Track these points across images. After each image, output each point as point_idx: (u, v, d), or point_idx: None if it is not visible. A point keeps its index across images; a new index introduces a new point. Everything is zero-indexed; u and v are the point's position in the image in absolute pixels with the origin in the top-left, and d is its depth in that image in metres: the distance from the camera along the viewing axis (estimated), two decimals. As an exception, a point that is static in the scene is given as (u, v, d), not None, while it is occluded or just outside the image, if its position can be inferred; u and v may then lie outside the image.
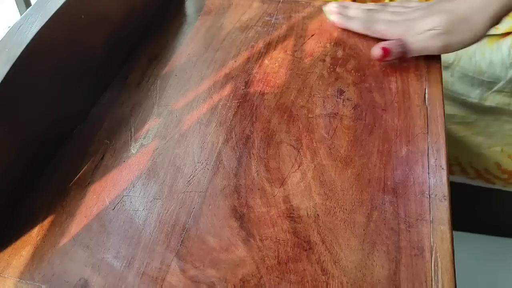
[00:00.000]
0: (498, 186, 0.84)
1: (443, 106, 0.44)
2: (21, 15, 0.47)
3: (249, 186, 0.38)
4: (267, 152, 0.41)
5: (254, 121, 0.44)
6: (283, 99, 0.46)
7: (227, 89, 0.47)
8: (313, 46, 0.52)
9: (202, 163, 0.40)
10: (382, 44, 0.48)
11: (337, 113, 0.44)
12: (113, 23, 0.49)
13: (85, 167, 0.41)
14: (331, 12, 0.54)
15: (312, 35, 0.53)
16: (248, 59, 0.50)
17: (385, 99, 0.45)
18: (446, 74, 0.71)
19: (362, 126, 0.42)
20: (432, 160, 0.39)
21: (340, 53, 0.50)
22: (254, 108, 0.45)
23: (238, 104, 0.45)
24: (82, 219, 0.37)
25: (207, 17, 0.57)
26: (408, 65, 0.48)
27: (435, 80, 0.46)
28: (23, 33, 0.38)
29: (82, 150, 0.42)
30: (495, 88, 0.70)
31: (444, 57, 0.69)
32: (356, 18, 0.52)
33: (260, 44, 0.52)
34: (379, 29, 0.51)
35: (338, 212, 0.36)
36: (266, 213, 0.36)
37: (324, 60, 0.50)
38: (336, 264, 0.33)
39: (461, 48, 0.47)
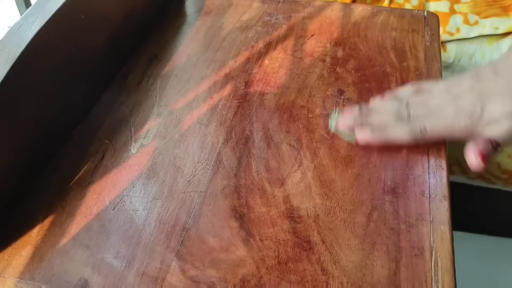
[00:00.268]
0: (498, 186, 0.84)
1: (443, 106, 0.44)
2: (21, 15, 0.47)
3: (249, 186, 0.38)
4: (267, 152, 0.41)
5: (254, 121, 0.44)
6: (283, 99, 0.46)
7: (227, 89, 0.47)
8: (313, 46, 0.51)
9: (202, 163, 0.40)
10: (472, 149, 0.38)
11: (337, 113, 0.44)
12: (113, 23, 0.49)
13: (85, 167, 0.41)
14: (346, 129, 0.42)
15: (312, 35, 0.53)
16: (248, 59, 0.50)
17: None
18: (446, 74, 0.71)
19: (362, 126, 0.42)
20: (432, 160, 0.39)
21: (340, 53, 0.50)
22: (254, 108, 0.45)
23: (238, 104, 0.45)
24: (82, 219, 0.37)
25: (207, 17, 0.57)
26: (408, 65, 0.48)
27: (435, 80, 0.46)
28: (23, 33, 0.38)
29: (82, 150, 0.42)
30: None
31: (444, 57, 0.69)
32: (391, 125, 0.40)
33: (260, 44, 0.52)
34: (435, 130, 0.40)
35: (338, 212, 0.36)
36: (266, 213, 0.36)
37: (324, 60, 0.50)
38: (336, 264, 0.33)
39: None
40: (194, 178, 0.39)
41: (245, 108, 0.45)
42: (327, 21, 0.54)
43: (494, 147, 0.38)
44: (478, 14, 0.69)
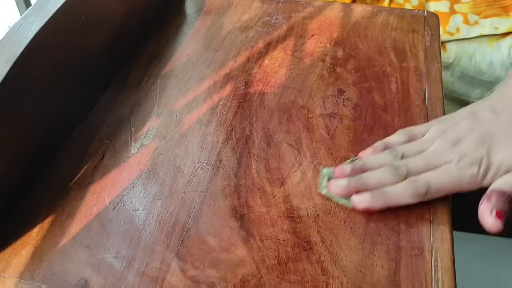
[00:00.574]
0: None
1: (443, 106, 0.44)
2: (21, 15, 0.47)
3: (249, 186, 0.38)
4: (267, 152, 0.41)
5: (254, 121, 0.44)
6: (283, 99, 0.46)
7: (227, 89, 0.47)
8: (313, 46, 0.51)
9: (202, 163, 0.40)
10: (486, 208, 0.34)
11: (337, 113, 0.44)
12: (113, 23, 0.49)
13: (85, 167, 0.40)
14: (343, 192, 0.36)
15: (312, 35, 0.53)
16: (248, 59, 0.50)
17: (385, 99, 0.45)
18: (446, 74, 0.71)
19: (362, 126, 0.42)
20: (432, 160, 0.39)
21: (340, 53, 0.50)
22: (254, 108, 0.45)
23: (238, 104, 0.45)
24: (82, 219, 0.37)
25: (207, 17, 0.57)
26: (408, 65, 0.48)
27: (435, 80, 0.46)
28: (23, 33, 0.38)
29: (82, 150, 0.42)
30: (495, 88, 0.70)
31: (444, 57, 0.69)
32: (396, 190, 0.36)
33: (260, 44, 0.52)
34: (443, 186, 0.35)
35: (338, 212, 0.36)
36: (266, 213, 0.36)
37: (324, 60, 0.50)
38: (336, 264, 0.33)
39: None
40: (194, 178, 0.39)
41: (245, 108, 0.45)
42: (327, 21, 0.54)
43: (510, 201, 0.34)
44: (478, 14, 0.69)
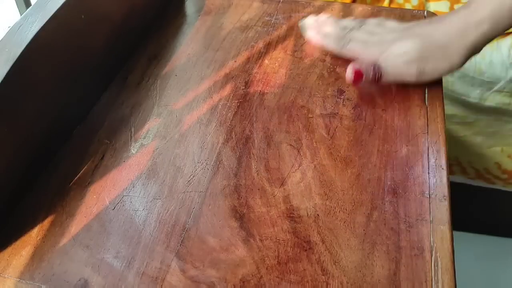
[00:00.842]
0: (498, 186, 0.84)
1: (443, 106, 0.44)
2: (21, 15, 0.47)
3: (249, 186, 0.38)
4: (267, 152, 0.41)
5: (254, 121, 0.44)
6: (283, 99, 0.46)
7: (227, 89, 0.47)
8: (313, 46, 0.51)
9: (202, 163, 0.40)
10: (355, 65, 0.45)
11: (337, 113, 0.44)
12: (113, 23, 0.49)
13: (85, 167, 0.41)
14: (307, 28, 0.51)
15: (312, 35, 0.53)
16: (248, 59, 0.50)
17: (385, 99, 0.45)
18: (446, 74, 0.71)
19: (362, 126, 0.42)
20: (432, 160, 0.39)
21: (340, 53, 0.50)
22: (254, 108, 0.45)
23: (238, 104, 0.45)
24: (82, 219, 0.37)
25: (207, 17, 0.57)
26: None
27: (435, 80, 0.46)
28: (23, 33, 0.38)
29: (82, 150, 0.42)
30: (495, 88, 0.70)
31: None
32: (330, 36, 0.49)
33: (260, 44, 0.52)
34: (352, 49, 0.48)
35: (338, 212, 0.36)
36: (266, 213, 0.36)
37: (324, 60, 0.50)
38: (336, 264, 0.33)
39: (437, 77, 0.44)
40: (194, 178, 0.39)
41: (245, 108, 0.45)
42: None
43: (374, 73, 0.44)
44: (478, 14, 0.69)
